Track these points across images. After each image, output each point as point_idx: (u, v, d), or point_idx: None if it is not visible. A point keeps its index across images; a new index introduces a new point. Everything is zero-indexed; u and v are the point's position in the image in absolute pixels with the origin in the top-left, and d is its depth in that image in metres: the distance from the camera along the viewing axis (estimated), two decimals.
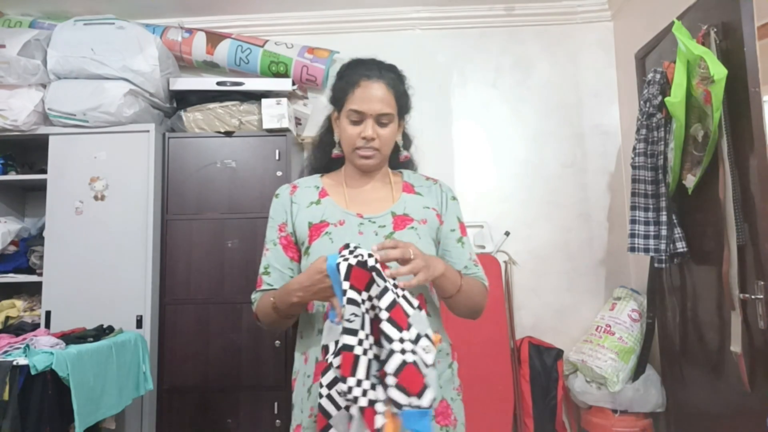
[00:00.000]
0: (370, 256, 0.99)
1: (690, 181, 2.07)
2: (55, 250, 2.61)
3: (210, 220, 2.67)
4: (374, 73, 1.21)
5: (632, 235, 2.26)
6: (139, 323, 2.55)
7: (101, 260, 2.60)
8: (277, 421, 2.51)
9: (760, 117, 1.78)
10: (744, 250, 1.84)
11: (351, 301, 0.96)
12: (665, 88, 2.14)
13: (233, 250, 2.63)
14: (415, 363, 0.92)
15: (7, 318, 2.60)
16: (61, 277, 2.59)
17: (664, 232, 2.17)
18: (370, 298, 0.98)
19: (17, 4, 2.98)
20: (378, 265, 0.98)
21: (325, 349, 1.01)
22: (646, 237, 2.23)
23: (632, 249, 2.25)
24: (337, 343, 0.98)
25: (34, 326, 2.47)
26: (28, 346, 1.90)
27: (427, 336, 0.96)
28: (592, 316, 2.85)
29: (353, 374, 0.92)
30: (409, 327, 0.95)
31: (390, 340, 0.93)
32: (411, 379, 0.91)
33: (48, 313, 2.56)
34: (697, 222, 2.13)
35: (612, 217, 3.00)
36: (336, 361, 0.96)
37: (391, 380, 0.91)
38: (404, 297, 0.98)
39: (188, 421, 2.56)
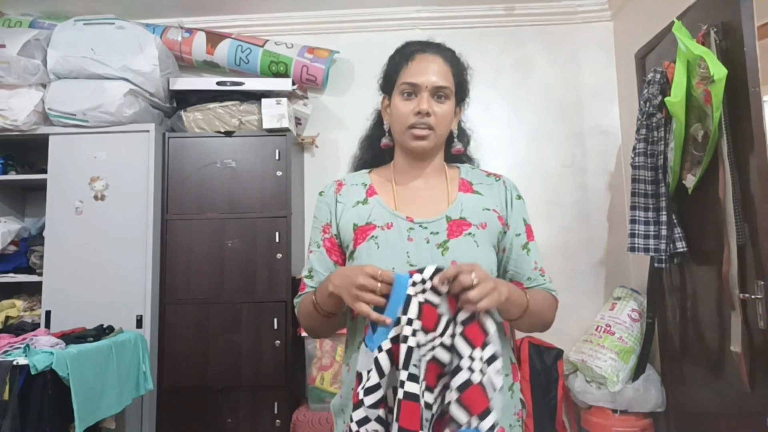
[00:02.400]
0: (436, 271, 0.90)
1: (690, 181, 2.07)
2: (55, 250, 2.61)
3: (210, 220, 2.67)
4: (431, 48, 1.11)
5: (632, 235, 2.26)
6: (139, 323, 2.55)
7: (101, 260, 2.60)
8: (277, 421, 2.51)
9: (760, 117, 1.78)
10: (744, 250, 1.84)
11: (420, 345, 0.88)
12: (665, 88, 2.14)
13: (233, 250, 2.63)
14: (482, 384, 0.86)
15: (7, 318, 2.60)
16: (61, 277, 2.59)
17: (664, 232, 2.17)
18: (432, 339, 0.90)
19: (17, 4, 2.98)
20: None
21: (359, 377, 0.91)
22: (646, 237, 2.23)
23: (632, 249, 2.25)
24: (370, 372, 0.90)
25: (34, 326, 2.46)
26: (28, 346, 1.90)
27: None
28: (592, 316, 2.85)
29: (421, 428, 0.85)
30: (484, 346, 0.88)
31: (460, 356, 0.87)
32: (475, 399, 0.85)
33: (48, 313, 2.56)
34: (697, 222, 2.13)
35: (612, 217, 3.00)
36: (368, 400, 0.89)
37: (454, 395, 0.86)
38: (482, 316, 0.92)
39: (188, 421, 2.55)
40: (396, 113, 1.11)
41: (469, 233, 1.08)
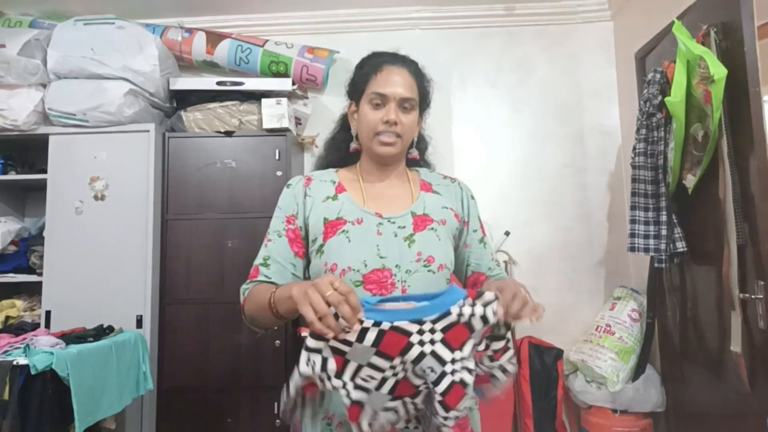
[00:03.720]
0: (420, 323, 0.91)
1: (690, 181, 2.07)
2: (55, 250, 2.61)
3: (210, 220, 2.67)
4: (398, 60, 1.18)
5: (632, 235, 2.26)
6: (139, 323, 2.55)
7: (101, 260, 2.60)
8: (277, 421, 2.51)
9: (760, 117, 1.78)
10: (744, 250, 1.84)
11: (373, 366, 0.92)
12: (665, 87, 2.14)
13: (233, 250, 2.63)
14: (461, 381, 0.93)
15: (7, 318, 2.60)
16: (61, 277, 2.59)
17: (664, 232, 2.17)
18: (403, 363, 0.92)
19: (17, 4, 2.98)
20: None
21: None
22: (646, 237, 2.23)
23: (632, 249, 2.25)
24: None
25: (34, 326, 2.47)
26: (28, 345, 1.90)
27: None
28: (592, 316, 2.85)
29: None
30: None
31: (443, 362, 0.92)
32: (455, 396, 0.92)
33: (48, 313, 2.56)
34: (697, 222, 2.13)
35: (612, 217, 3.00)
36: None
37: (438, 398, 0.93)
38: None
39: (188, 421, 2.55)
40: (365, 120, 1.17)
41: (432, 228, 1.17)
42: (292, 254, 1.16)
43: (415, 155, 1.28)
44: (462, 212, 1.25)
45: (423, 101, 1.22)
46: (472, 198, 1.29)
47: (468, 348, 0.93)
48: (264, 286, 1.11)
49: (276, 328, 1.17)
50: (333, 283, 0.86)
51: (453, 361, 0.92)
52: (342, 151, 1.28)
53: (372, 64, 1.18)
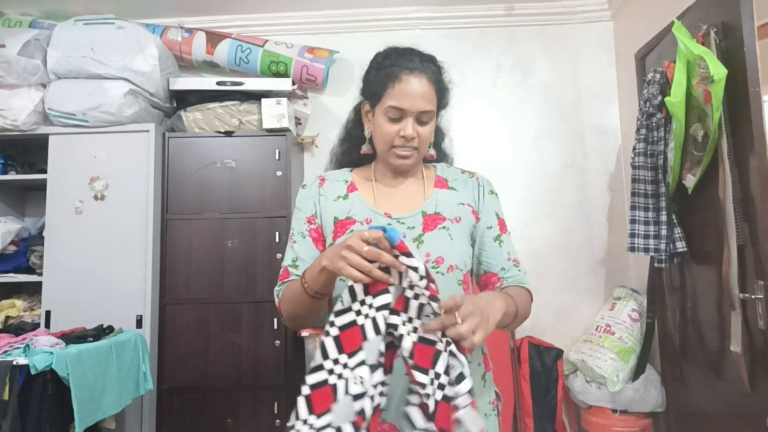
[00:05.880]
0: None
1: (690, 181, 2.07)
2: (55, 250, 2.61)
3: (210, 220, 2.67)
4: (416, 66, 1.12)
5: (632, 235, 2.26)
6: (139, 323, 2.55)
7: (101, 260, 2.60)
8: (277, 420, 2.51)
9: (760, 117, 1.78)
10: (744, 250, 1.84)
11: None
12: (665, 87, 2.14)
13: (233, 250, 2.63)
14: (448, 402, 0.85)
15: (7, 318, 2.60)
16: (61, 277, 2.59)
17: (664, 232, 2.17)
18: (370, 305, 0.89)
19: (17, 4, 2.98)
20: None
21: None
22: (646, 237, 2.23)
23: (632, 249, 2.25)
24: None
25: (34, 326, 2.47)
26: (28, 345, 1.90)
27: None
28: (592, 316, 2.85)
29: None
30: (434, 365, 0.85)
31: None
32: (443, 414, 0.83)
33: (48, 313, 2.56)
34: (697, 222, 2.13)
35: (612, 217, 3.00)
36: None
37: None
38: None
39: (188, 421, 2.56)
40: (380, 132, 1.13)
41: (444, 227, 1.13)
42: (318, 253, 1.15)
43: (432, 154, 1.24)
44: (478, 208, 1.19)
45: (441, 104, 1.18)
46: (491, 193, 1.23)
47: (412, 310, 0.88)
48: (295, 281, 1.10)
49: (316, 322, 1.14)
50: (363, 236, 0.87)
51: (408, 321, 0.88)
52: (356, 150, 1.24)
53: (389, 73, 1.12)
